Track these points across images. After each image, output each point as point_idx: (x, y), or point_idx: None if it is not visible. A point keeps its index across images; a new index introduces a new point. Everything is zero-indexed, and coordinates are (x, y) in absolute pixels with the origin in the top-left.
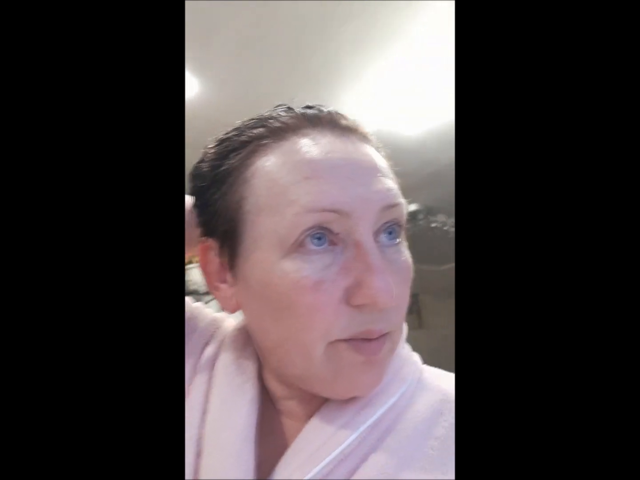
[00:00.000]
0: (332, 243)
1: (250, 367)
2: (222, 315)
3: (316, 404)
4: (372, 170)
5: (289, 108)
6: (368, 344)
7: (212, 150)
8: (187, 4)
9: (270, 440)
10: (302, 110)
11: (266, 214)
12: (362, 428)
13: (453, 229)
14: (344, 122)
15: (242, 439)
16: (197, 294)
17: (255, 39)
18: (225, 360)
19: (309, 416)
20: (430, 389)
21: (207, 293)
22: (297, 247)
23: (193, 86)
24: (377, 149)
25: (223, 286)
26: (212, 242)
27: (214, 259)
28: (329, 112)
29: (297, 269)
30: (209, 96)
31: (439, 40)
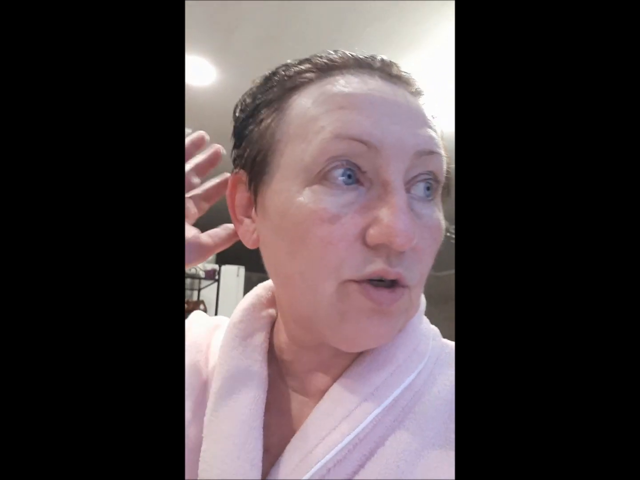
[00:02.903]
0: (359, 182)
1: (258, 347)
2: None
3: (330, 379)
4: (414, 115)
5: (341, 51)
6: (380, 291)
7: (256, 85)
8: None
9: (282, 423)
10: (353, 53)
11: (295, 142)
12: (377, 411)
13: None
14: (396, 71)
15: (247, 427)
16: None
17: (275, 35)
18: (228, 345)
19: (322, 393)
20: (451, 365)
21: (205, 277)
22: (321, 179)
23: (211, 74)
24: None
25: (246, 220)
26: (242, 174)
27: (243, 193)
28: (382, 60)
29: (316, 200)
30: (225, 85)
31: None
